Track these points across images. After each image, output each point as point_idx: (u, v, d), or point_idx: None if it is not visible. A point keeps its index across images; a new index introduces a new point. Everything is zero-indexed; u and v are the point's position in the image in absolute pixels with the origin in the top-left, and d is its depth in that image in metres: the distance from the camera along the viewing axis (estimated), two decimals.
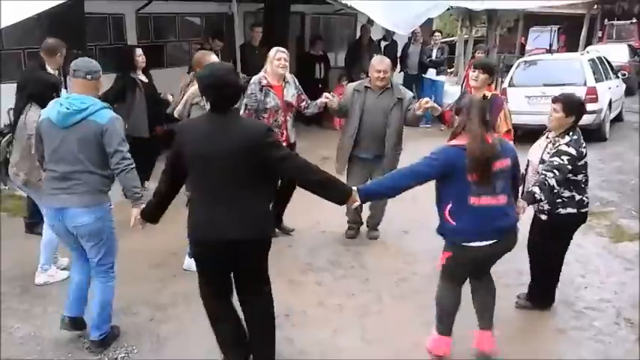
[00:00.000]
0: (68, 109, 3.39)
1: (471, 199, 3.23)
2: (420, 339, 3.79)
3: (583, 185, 3.97)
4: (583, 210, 4.01)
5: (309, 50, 11.07)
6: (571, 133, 3.88)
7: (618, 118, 11.55)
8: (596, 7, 20.10)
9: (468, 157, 3.17)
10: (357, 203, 3.37)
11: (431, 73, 11.37)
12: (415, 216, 5.72)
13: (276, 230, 5.20)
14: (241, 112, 5.07)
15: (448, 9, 11.29)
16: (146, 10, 9.02)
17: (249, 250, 3.10)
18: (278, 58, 5.11)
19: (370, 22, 10.52)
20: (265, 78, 5.16)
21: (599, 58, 10.96)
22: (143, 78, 6.30)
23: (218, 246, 3.05)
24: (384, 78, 5.15)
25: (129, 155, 3.50)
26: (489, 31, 14.19)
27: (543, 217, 4.03)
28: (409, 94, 5.37)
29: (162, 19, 9.72)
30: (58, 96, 4.15)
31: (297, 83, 5.38)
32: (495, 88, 4.66)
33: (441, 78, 11.66)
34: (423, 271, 4.85)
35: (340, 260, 5.09)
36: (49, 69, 5.12)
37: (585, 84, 9.66)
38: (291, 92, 5.25)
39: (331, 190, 3.21)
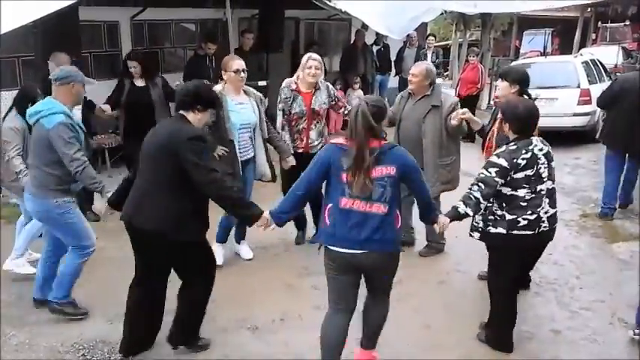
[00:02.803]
0: (31, 111, 3.85)
1: (342, 200, 3.09)
2: (415, 342, 3.81)
3: (523, 203, 3.50)
4: (514, 232, 3.52)
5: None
6: (512, 144, 3.55)
7: None
8: (589, 9, 20.17)
9: (346, 158, 3.07)
10: (272, 227, 3.39)
11: None
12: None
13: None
14: (279, 118, 5.14)
15: (442, 13, 11.30)
16: (141, 17, 9.03)
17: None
18: (309, 66, 5.06)
19: (365, 26, 10.54)
20: (295, 83, 5.14)
21: (593, 61, 11.02)
22: (139, 84, 6.30)
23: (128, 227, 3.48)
24: (412, 82, 4.95)
25: (78, 155, 3.77)
26: (483, 34, 14.22)
27: (476, 235, 3.73)
28: (452, 100, 5.00)
29: (156, 26, 9.73)
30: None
31: (332, 90, 5.31)
32: (490, 92, 4.50)
33: (438, 82, 11.66)
34: (419, 275, 4.87)
35: None
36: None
37: (579, 86, 9.73)
38: (320, 100, 5.16)
39: (235, 211, 3.59)
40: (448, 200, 4.16)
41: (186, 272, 3.59)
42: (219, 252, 4.77)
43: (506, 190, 3.52)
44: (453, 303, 4.42)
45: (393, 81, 11.98)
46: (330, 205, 3.15)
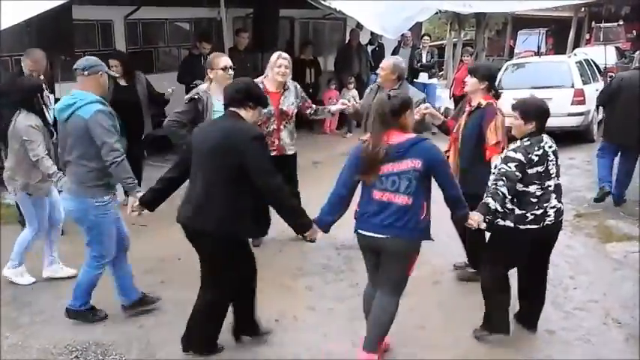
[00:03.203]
0: (62, 104, 3.71)
1: (373, 192, 3.31)
2: (411, 342, 3.80)
3: (533, 199, 3.61)
4: (522, 226, 3.64)
5: (299, 55, 11.09)
6: (525, 139, 3.65)
7: None
8: (583, 9, 20.26)
9: (360, 156, 3.31)
10: (316, 231, 3.51)
11: (423, 77, 11.39)
12: None
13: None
14: None
15: (437, 13, 11.33)
16: (135, 16, 8.99)
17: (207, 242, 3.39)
18: (279, 65, 4.98)
19: (359, 26, 10.56)
20: (262, 83, 5.00)
21: (587, 61, 11.05)
22: (122, 83, 6.25)
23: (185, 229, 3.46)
24: (380, 75, 5.02)
25: (117, 146, 3.68)
26: (478, 34, 14.27)
27: (483, 225, 3.64)
28: (418, 96, 5.00)
29: (151, 25, 9.70)
30: (42, 98, 4.44)
31: (300, 90, 5.25)
32: (495, 97, 4.44)
33: (434, 81, 11.69)
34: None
35: (331, 264, 5.09)
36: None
37: (573, 86, 9.75)
38: (289, 100, 5.10)
39: (292, 221, 3.48)
40: None
41: (216, 271, 3.54)
42: None
43: (519, 187, 3.60)
44: (448, 303, 4.42)
45: None
46: (363, 193, 3.37)
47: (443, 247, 5.31)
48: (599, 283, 4.77)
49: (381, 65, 5.07)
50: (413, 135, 3.30)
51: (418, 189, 3.24)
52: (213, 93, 4.65)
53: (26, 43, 6.18)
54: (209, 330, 3.60)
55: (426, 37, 12.03)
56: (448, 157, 4.44)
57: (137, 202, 3.69)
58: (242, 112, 3.39)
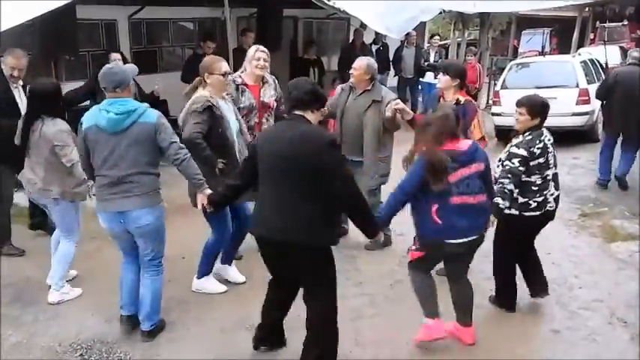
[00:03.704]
0: (117, 114, 3.44)
1: (452, 199, 3.42)
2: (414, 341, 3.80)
3: (535, 188, 3.93)
4: (526, 213, 3.96)
5: (302, 54, 11.09)
6: (526, 134, 3.92)
7: None
8: (587, 9, 20.16)
9: (425, 169, 3.40)
10: (381, 235, 3.79)
11: (429, 77, 11.36)
12: (409, 219, 5.70)
13: None
14: None
15: (440, 12, 11.28)
16: (139, 15, 9.01)
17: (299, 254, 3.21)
18: (257, 58, 4.84)
19: (363, 25, 10.53)
20: (240, 77, 4.89)
21: (591, 60, 11.01)
22: None
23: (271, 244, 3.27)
24: (353, 75, 5.06)
25: (183, 145, 3.64)
26: (482, 34, 14.19)
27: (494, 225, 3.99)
28: (390, 96, 5.10)
29: (155, 25, 9.71)
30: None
31: (278, 85, 5.10)
32: (488, 91, 4.70)
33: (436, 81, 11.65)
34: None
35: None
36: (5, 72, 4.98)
37: (577, 86, 9.72)
38: (269, 93, 4.98)
39: (364, 226, 3.38)
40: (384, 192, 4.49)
41: (318, 280, 3.36)
42: (213, 282, 4.57)
43: (522, 177, 3.88)
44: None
45: (391, 80, 11.96)
46: (436, 205, 3.43)
47: None
48: (603, 283, 4.75)
49: (353, 66, 5.10)
50: (470, 140, 3.66)
51: (482, 187, 3.52)
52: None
53: (29, 43, 6.20)
54: (334, 339, 3.40)
55: (436, 38, 11.98)
56: None
57: (207, 200, 3.66)
58: (309, 115, 3.23)
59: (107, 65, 3.82)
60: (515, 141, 3.96)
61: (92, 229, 4.73)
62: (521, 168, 3.84)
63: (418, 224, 3.59)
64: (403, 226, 5.78)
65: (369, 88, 5.07)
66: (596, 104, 9.65)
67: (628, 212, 6.41)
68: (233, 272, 4.70)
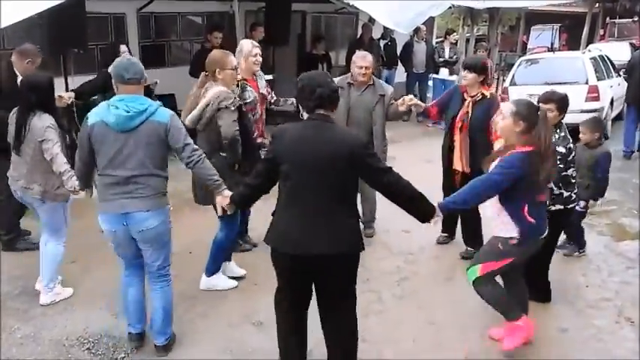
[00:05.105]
0: (128, 112, 3.24)
1: (541, 197, 3.50)
2: (420, 339, 3.79)
3: (572, 180, 4.09)
4: (569, 206, 4.12)
5: (310, 49, 11.06)
6: (558, 131, 3.99)
7: (620, 117, 11.51)
8: (597, 5, 20.03)
9: (536, 164, 3.32)
10: (440, 218, 3.32)
11: (443, 73, 11.32)
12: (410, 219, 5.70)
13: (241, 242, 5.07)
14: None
15: (450, 7, 11.22)
16: (147, 9, 9.02)
17: (335, 265, 3.00)
18: (254, 54, 4.82)
19: (371, 20, 10.50)
20: (237, 73, 4.73)
21: (601, 57, 10.93)
22: None
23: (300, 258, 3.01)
24: (365, 74, 5.13)
25: (197, 146, 3.49)
26: (491, 29, 14.12)
27: None
28: (390, 89, 5.36)
29: (163, 19, 9.71)
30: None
31: (264, 77, 5.13)
32: (497, 88, 4.70)
33: (454, 78, 11.62)
34: (424, 271, 4.85)
35: None
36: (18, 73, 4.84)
37: (587, 82, 9.65)
38: (262, 83, 5.03)
39: (419, 206, 3.20)
40: None
41: (348, 288, 3.19)
42: (223, 279, 4.56)
43: (562, 173, 3.97)
44: (460, 300, 4.38)
45: (400, 76, 11.90)
46: (525, 205, 3.41)
47: (455, 243, 5.33)
48: (611, 282, 4.73)
49: (363, 65, 5.15)
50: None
51: None
52: None
53: (38, 37, 6.21)
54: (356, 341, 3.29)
55: (454, 34, 11.91)
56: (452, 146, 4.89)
57: (228, 201, 3.49)
58: (331, 115, 3.03)
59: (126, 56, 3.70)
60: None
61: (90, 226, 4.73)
62: (561, 165, 3.90)
63: (509, 225, 3.44)
64: (409, 222, 5.79)
65: (372, 82, 5.24)
66: (606, 101, 9.60)
67: (636, 210, 6.37)
68: (233, 267, 4.71)
